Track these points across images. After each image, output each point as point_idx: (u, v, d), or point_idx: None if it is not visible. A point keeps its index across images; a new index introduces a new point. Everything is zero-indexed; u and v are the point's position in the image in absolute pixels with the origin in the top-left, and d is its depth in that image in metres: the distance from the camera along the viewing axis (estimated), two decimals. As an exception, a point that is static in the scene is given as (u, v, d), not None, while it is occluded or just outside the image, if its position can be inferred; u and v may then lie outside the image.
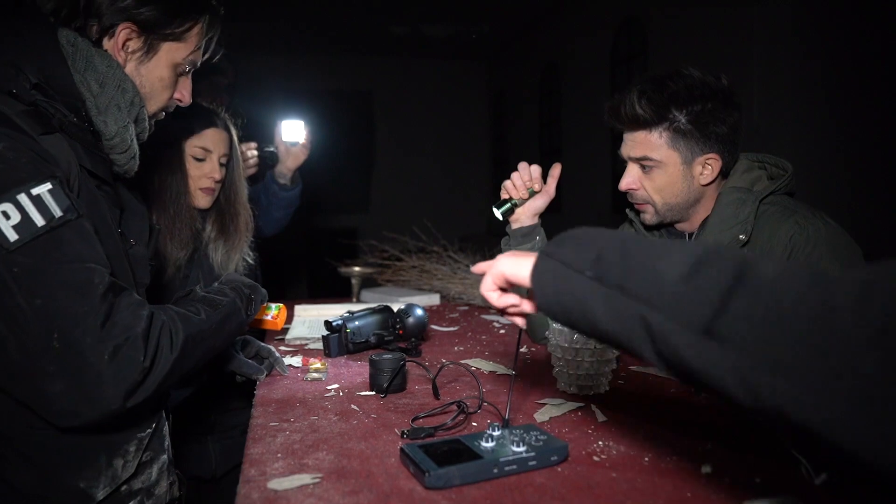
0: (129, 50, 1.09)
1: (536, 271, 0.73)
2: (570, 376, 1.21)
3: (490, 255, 0.99)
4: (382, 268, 2.74)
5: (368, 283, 2.61)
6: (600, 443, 0.96)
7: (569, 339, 1.20)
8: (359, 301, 2.40)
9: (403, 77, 7.63)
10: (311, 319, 1.93)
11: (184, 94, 1.22)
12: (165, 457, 1.15)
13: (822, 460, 0.82)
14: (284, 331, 1.79)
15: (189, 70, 1.20)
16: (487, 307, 2.25)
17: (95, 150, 1.06)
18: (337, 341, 1.51)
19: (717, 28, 3.69)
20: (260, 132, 2.27)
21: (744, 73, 3.40)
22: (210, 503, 1.78)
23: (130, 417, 1.03)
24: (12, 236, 0.86)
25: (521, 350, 1.57)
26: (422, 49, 7.23)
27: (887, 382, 0.41)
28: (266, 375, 1.34)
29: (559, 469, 0.86)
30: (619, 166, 1.50)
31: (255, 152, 2.22)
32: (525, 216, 1.59)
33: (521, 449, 0.85)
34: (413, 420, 1.04)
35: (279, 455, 0.91)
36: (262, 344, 1.40)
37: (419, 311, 1.58)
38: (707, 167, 1.39)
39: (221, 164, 1.75)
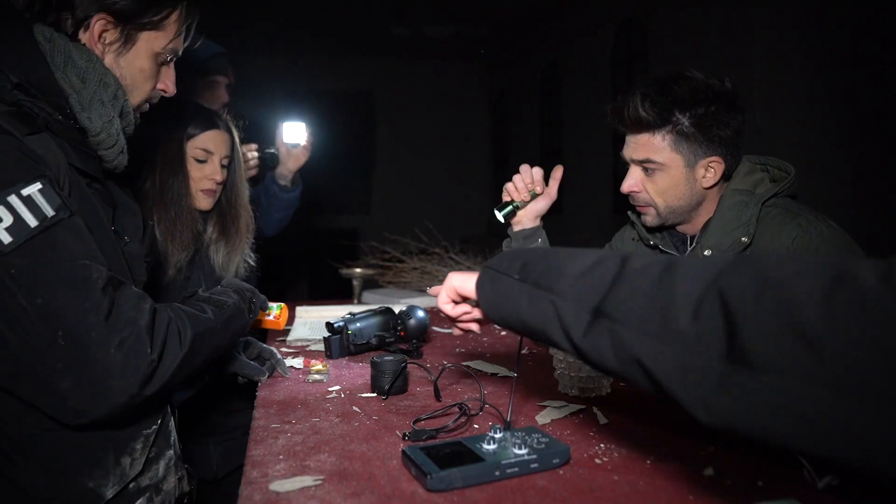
0: (107, 42, 1.07)
1: (479, 281, 0.87)
2: (571, 378, 1.21)
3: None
4: (384, 269, 2.75)
5: (370, 284, 2.61)
6: (602, 445, 0.95)
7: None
8: (360, 302, 2.40)
9: (404, 78, 7.63)
10: (312, 321, 1.93)
11: (167, 84, 1.19)
12: (172, 452, 1.15)
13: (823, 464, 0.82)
14: (286, 332, 1.79)
15: (171, 59, 1.17)
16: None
17: (83, 147, 1.05)
18: (338, 343, 1.51)
19: (718, 29, 3.69)
20: (260, 133, 2.27)
21: (745, 74, 3.40)
22: (211, 504, 1.78)
23: (136, 415, 1.03)
24: (6, 239, 0.85)
25: (523, 352, 1.57)
26: (423, 50, 7.23)
27: (697, 337, 0.54)
28: (268, 377, 1.34)
29: (561, 472, 0.85)
30: (621, 167, 1.50)
31: (256, 154, 2.22)
32: (527, 218, 1.59)
33: (523, 451, 0.84)
34: (415, 422, 1.03)
35: (281, 457, 0.91)
36: (264, 345, 1.41)
37: (420, 313, 1.58)
38: (710, 170, 1.39)
39: (223, 166, 1.75)
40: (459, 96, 7.85)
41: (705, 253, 1.38)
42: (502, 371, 1.39)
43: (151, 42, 1.11)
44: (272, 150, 2.25)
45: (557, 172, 1.58)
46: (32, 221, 0.87)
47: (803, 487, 0.80)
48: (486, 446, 0.86)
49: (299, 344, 1.69)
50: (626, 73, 4.77)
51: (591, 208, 5.24)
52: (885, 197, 3.32)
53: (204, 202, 1.74)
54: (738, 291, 0.53)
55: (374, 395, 1.22)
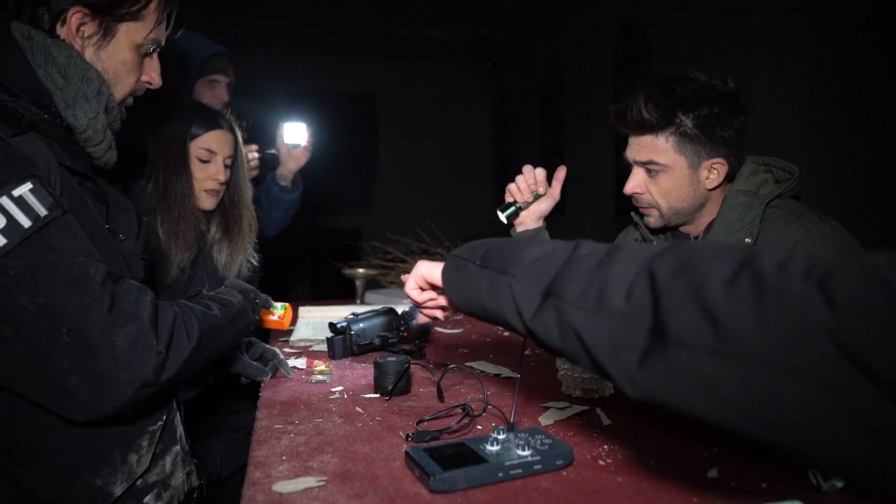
0: (85, 35, 1.05)
1: (445, 268, 0.91)
2: (574, 379, 1.20)
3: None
4: (386, 269, 2.74)
5: (372, 284, 2.61)
6: (605, 447, 0.95)
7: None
8: (363, 303, 2.40)
9: (406, 78, 7.63)
10: (315, 321, 1.93)
11: (152, 75, 1.17)
12: (178, 448, 1.15)
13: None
14: (289, 332, 1.79)
15: (154, 50, 1.15)
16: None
17: (71, 145, 1.04)
18: (341, 343, 1.51)
19: (721, 30, 3.68)
20: (261, 134, 2.27)
21: (747, 75, 3.39)
22: (214, 504, 1.78)
23: (142, 412, 1.03)
24: (1, 241, 0.85)
25: (526, 353, 1.57)
26: (425, 50, 7.23)
27: (628, 314, 0.59)
28: (270, 377, 1.34)
29: (564, 473, 0.85)
30: (623, 168, 1.50)
31: (256, 154, 2.22)
32: (530, 219, 1.59)
33: (527, 453, 0.84)
34: (418, 423, 1.03)
35: (284, 457, 0.91)
36: (267, 346, 1.41)
37: (423, 314, 1.58)
38: (713, 171, 1.39)
39: (226, 166, 1.76)
40: (462, 97, 7.85)
41: None
42: (505, 372, 1.39)
43: (132, 33, 1.09)
44: (272, 151, 2.25)
45: (561, 173, 1.57)
46: (26, 222, 0.86)
47: (807, 490, 0.80)
48: (489, 447, 0.86)
49: (302, 344, 1.69)
50: (628, 74, 4.76)
51: (594, 209, 5.23)
52: (887, 197, 3.31)
53: (207, 202, 1.74)
54: (662, 271, 0.58)
55: (378, 395, 1.22)
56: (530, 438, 0.88)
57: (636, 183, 1.44)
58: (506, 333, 1.85)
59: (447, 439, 0.96)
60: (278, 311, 1.55)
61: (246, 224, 1.83)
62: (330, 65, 7.33)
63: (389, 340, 1.55)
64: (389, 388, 1.20)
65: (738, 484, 0.82)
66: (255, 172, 2.24)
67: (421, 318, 1.11)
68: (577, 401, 1.18)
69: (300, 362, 1.45)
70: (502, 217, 1.59)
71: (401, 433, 1.01)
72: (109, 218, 1.12)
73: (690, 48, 3.93)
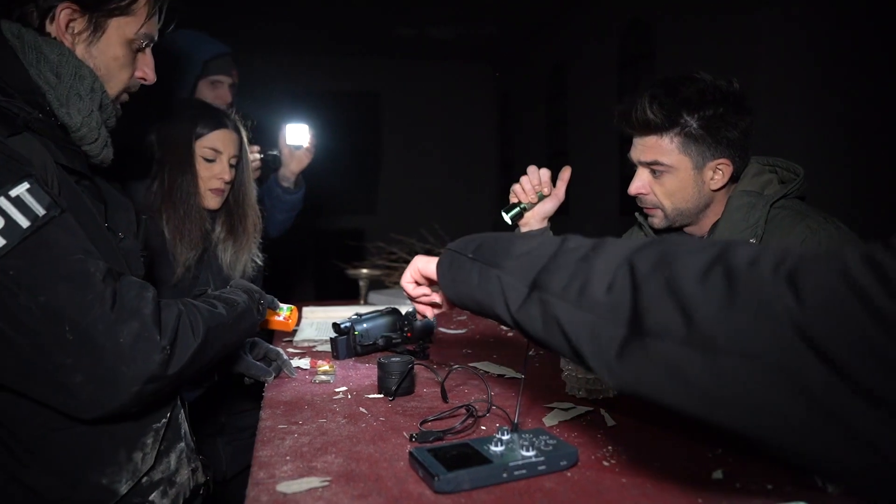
0: (75, 31, 1.04)
1: (439, 262, 0.93)
2: (578, 380, 1.20)
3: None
4: (390, 270, 2.74)
5: (376, 285, 2.61)
6: (610, 447, 0.95)
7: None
8: (366, 303, 2.40)
9: (410, 79, 7.64)
10: (318, 321, 1.93)
11: (146, 71, 1.16)
12: (183, 444, 1.15)
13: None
14: (293, 332, 1.79)
15: (146, 45, 1.14)
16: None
17: (67, 144, 1.03)
18: (345, 344, 1.51)
19: (725, 29, 3.68)
20: (263, 135, 2.27)
21: (751, 75, 3.38)
22: (219, 505, 1.78)
23: (146, 409, 1.03)
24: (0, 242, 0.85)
25: (530, 353, 1.56)
26: (428, 51, 7.23)
27: (609, 307, 0.60)
28: (274, 377, 1.34)
29: (568, 474, 0.85)
30: (627, 169, 1.49)
31: (258, 156, 2.22)
32: (534, 220, 1.58)
33: (531, 453, 0.84)
34: (422, 423, 1.03)
35: (288, 458, 0.91)
36: (270, 346, 1.41)
37: (427, 314, 1.58)
38: (718, 172, 1.39)
39: (231, 166, 1.76)
40: (465, 97, 7.85)
41: None
42: (509, 372, 1.39)
43: (122, 28, 1.08)
44: (274, 152, 2.25)
45: (565, 174, 1.57)
46: (24, 222, 0.86)
47: (813, 490, 0.80)
48: (493, 448, 0.86)
49: (306, 345, 1.69)
50: (632, 75, 4.75)
51: (598, 210, 5.23)
52: (892, 198, 3.30)
53: (212, 201, 1.75)
54: (642, 264, 0.60)
55: (381, 396, 1.22)
56: (534, 439, 0.88)
57: (640, 183, 1.44)
58: (510, 334, 1.84)
59: (451, 440, 0.96)
60: (284, 313, 1.55)
61: (251, 223, 1.83)
62: (332, 65, 7.33)
63: (393, 341, 1.55)
64: (393, 388, 1.20)
65: (744, 485, 0.82)
66: (257, 174, 2.24)
67: (420, 313, 1.12)
68: (581, 401, 1.18)
69: (304, 362, 1.45)
70: (507, 218, 1.58)
71: (405, 434, 1.01)
72: (108, 216, 1.12)
73: (694, 48, 3.92)
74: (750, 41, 3.50)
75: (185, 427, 1.18)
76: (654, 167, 1.40)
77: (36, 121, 0.98)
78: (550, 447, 0.87)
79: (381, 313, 1.59)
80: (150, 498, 1.07)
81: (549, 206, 1.58)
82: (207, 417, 1.73)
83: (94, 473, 1.00)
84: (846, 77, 3.36)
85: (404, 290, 1.05)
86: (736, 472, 0.86)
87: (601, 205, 5.16)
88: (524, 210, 1.57)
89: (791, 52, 3.38)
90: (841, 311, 0.44)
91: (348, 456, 0.91)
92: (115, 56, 1.09)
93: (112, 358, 0.88)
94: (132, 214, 1.21)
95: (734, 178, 1.42)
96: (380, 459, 0.90)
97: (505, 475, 0.82)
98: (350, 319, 1.55)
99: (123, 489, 1.02)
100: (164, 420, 1.10)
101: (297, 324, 1.85)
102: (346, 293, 2.69)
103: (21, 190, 0.87)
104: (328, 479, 0.83)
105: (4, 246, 0.85)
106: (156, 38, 1.15)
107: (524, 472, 0.83)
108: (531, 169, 1.56)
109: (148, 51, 1.15)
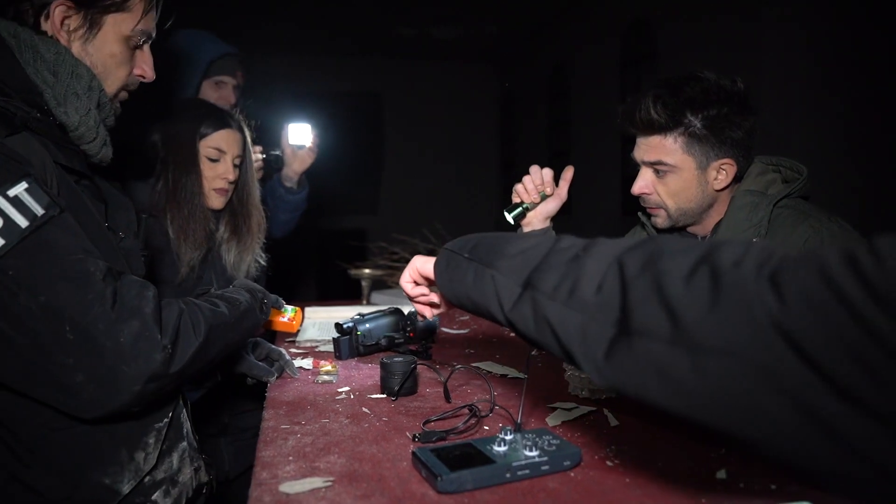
0: (70, 29, 1.03)
1: (437, 261, 0.95)
2: (581, 380, 1.20)
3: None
4: (392, 270, 2.74)
5: (378, 285, 2.61)
6: (613, 447, 0.95)
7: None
8: (369, 303, 2.40)
9: (411, 79, 7.64)
10: (321, 321, 1.93)
11: (144, 68, 1.14)
12: (185, 444, 1.15)
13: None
14: (295, 333, 1.79)
15: (143, 41, 1.12)
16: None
17: (66, 143, 1.03)
18: (347, 344, 1.51)
19: (726, 30, 3.67)
20: (266, 135, 2.27)
21: (754, 74, 3.38)
22: (222, 505, 1.78)
23: (148, 409, 1.03)
24: None
25: (533, 353, 1.56)
26: (430, 51, 7.23)
27: (598, 306, 0.61)
28: (277, 378, 1.34)
29: (572, 474, 0.85)
30: (629, 169, 1.49)
31: (261, 156, 2.22)
32: (537, 220, 1.58)
33: (534, 453, 0.84)
34: (424, 423, 1.03)
35: (290, 458, 0.91)
36: (272, 346, 1.41)
37: (429, 314, 1.58)
38: (722, 172, 1.38)
39: (235, 165, 1.76)
40: (467, 97, 7.85)
41: None
42: (512, 372, 1.39)
43: (119, 25, 1.07)
44: (276, 152, 2.24)
45: (568, 173, 1.57)
46: (23, 222, 0.86)
47: (817, 490, 0.80)
48: (496, 448, 0.86)
49: (308, 345, 1.69)
50: (635, 75, 4.75)
51: (600, 210, 5.22)
52: (893, 196, 3.29)
53: (216, 201, 1.75)
54: (631, 264, 0.60)
55: (384, 396, 1.22)
56: (538, 439, 0.87)
57: (644, 183, 1.44)
58: (512, 334, 1.84)
59: (454, 440, 0.96)
60: (288, 314, 1.55)
61: (255, 223, 1.83)
62: (334, 65, 7.34)
63: (396, 341, 1.55)
64: (396, 388, 1.20)
65: (747, 485, 0.82)
66: (259, 174, 2.24)
67: (422, 312, 1.13)
68: (584, 401, 1.17)
69: (306, 363, 1.45)
70: (509, 218, 1.58)
71: (407, 434, 1.00)
72: (108, 216, 1.12)
73: (696, 49, 3.92)
74: (752, 41, 3.50)
75: (187, 426, 1.18)
76: (658, 167, 1.40)
77: (34, 120, 0.98)
78: (554, 447, 0.87)
79: (384, 313, 1.59)
80: (153, 497, 1.07)
81: (551, 205, 1.58)
82: (210, 417, 1.73)
83: (95, 473, 1.00)
84: (848, 77, 3.35)
85: (403, 289, 1.07)
86: (739, 471, 0.86)
87: (603, 205, 5.15)
88: (526, 210, 1.57)
89: (793, 51, 3.38)
90: (821, 311, 0.44)
91: (351, 456, 0.91)
92: (111, 53, 1.08)
93: (113, 357, 0.88)
94: (132, 214, 1.21)
95: (738, 178, 1.42)
96: (383, 460, 0.90)
97: (508, 475, 0.82)
98: (352, 319, 1.55)
99: (126, 489, 1.02)
100: (166, 419, 1.10)
101: (300, 324, 1.86)
102: (349, 293, 2.69)
103: (20, 190, 0.87)
104: (331, 479, 0.83)
105: (3, 246, 0.85)
106: (153, 34, 1.14)
107: (527, 472, 0.83)
108: (533, 168, 1.55)
109: (146, 48, 1.14)
